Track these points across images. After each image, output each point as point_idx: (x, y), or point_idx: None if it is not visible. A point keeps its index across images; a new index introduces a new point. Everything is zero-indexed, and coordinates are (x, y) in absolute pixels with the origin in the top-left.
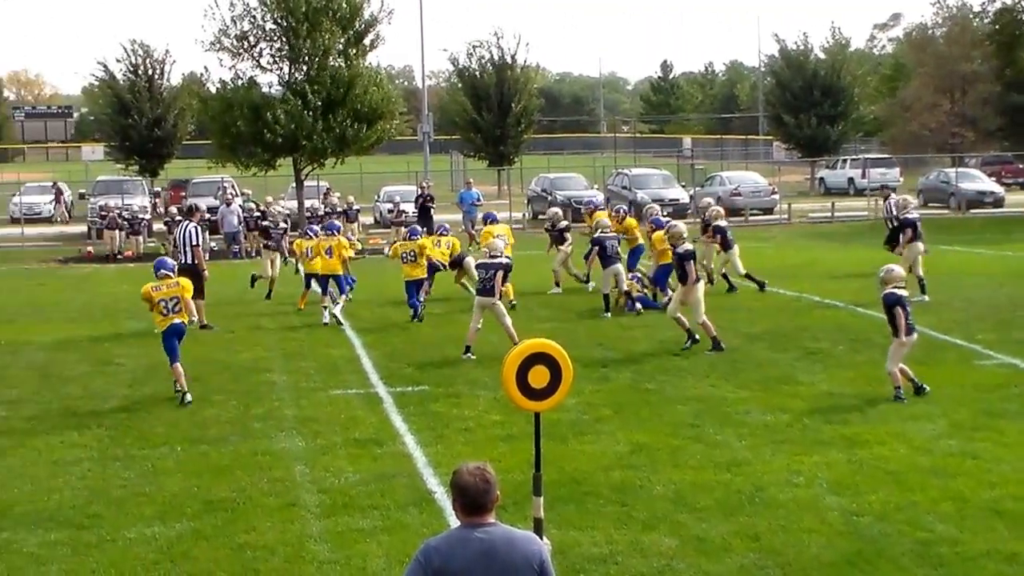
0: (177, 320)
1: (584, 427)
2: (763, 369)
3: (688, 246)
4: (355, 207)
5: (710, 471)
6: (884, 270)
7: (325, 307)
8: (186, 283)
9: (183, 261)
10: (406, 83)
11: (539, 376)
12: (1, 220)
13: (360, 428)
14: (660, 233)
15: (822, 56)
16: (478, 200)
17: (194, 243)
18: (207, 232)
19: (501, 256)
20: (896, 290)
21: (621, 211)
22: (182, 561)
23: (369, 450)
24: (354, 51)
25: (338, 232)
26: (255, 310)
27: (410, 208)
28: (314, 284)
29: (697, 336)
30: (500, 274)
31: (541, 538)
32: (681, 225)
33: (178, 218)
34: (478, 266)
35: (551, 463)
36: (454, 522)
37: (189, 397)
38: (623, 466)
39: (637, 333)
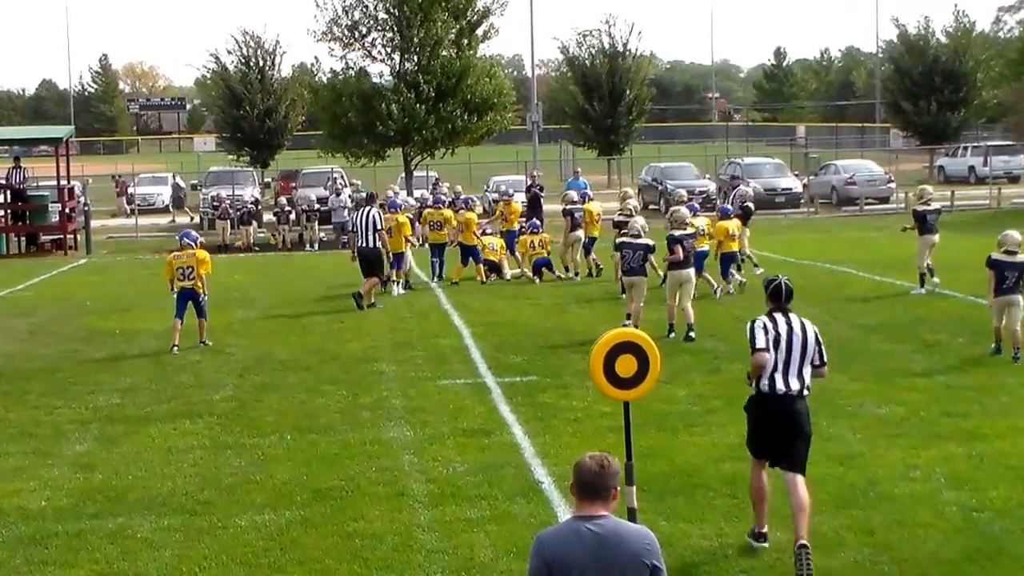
0: (188, 285)
1: (695, 419)
2: (878, 361)
3: (677, 232)
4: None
5: (823, 464)
6: (1001, 234)
7: (394, 281)
8: (203, 255)
9: (363, 244)
10: (515, 72)
11: (626, 365)
12: (116, 210)
13: (468, 418)
14: (721, 223)
15: (944, 40)
16: (586, 189)
17: (378, 227)
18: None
19: (643, 237)
20: (995, 253)
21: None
22: (291, 548)
23: (477, 440)
24: (466, 41)
25: (399, 210)
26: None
27: (519, 197)
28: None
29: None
30: (646, 254)
31: None
32: (684, 210)
33: (362, 202)
34: (623, 246)
35: (661, 455)
36: (561, 513)
37: (177, 351)
38: (734, 458)
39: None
